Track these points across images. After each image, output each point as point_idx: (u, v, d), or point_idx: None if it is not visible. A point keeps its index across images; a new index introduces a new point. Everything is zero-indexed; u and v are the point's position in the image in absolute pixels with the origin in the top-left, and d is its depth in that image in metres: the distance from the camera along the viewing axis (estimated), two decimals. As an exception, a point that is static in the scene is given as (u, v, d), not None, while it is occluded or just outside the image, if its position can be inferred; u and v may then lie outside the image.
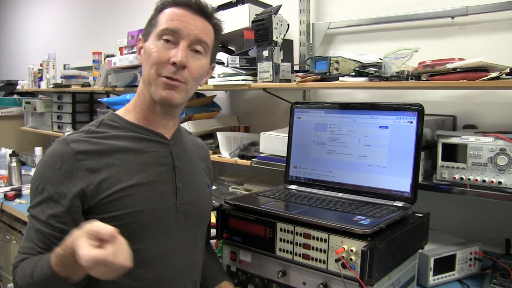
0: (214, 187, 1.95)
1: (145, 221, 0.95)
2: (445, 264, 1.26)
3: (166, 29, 0.96)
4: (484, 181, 1.22)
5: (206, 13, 1.00)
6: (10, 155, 2.76)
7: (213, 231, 1.20)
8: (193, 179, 1.08)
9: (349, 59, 1.59)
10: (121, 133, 0.99)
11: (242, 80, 1.75)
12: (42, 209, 0.90)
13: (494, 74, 1.18)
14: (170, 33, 0.96)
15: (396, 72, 1.35)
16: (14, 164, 2.69)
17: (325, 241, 0.97)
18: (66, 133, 1.00)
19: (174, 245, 1.00)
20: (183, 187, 1.03)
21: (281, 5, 1.79)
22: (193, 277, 1.07)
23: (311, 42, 2.00)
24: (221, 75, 1.80)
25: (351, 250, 0.92)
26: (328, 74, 1.52)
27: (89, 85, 2.91)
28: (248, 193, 1.78)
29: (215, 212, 1.18)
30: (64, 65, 3.53)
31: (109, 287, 0.92)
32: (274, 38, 1.63)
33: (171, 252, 0.99)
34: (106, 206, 0.91)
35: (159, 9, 1.00)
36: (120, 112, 1.05)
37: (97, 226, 0.74)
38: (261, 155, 1.73)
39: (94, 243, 0.73)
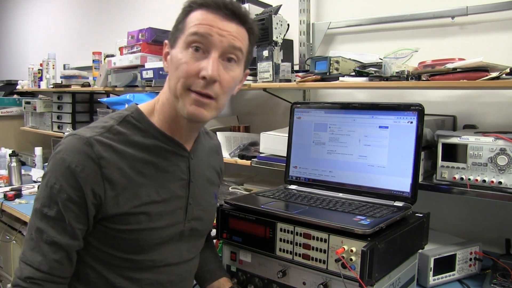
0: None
1: (154, 237, 0.93)
2: (445, 264, 1.26)
3: (196, 34, 0.86)
4: (484, 181, 1.22)
5: (239, 17, 0.89)
6: (10, 155, 2.76)
7: (213, 231, 1.20)
8: (204, 194, 1.06)
9: (349, 59, 1.59)
10: (145, 140, 0.93)
11: (242, 80, 1.75)
12: (63, 210, 0.85)
13: (494, 74, 1.18)
14: (200, 39, 0.86)
15: (396, 72, 1.35)
16: (14, 164, 2.69)
17: (325, 241, 0.96)
18: (85, 129, 0.91)
19: (176, 256, 1.00)
20: (193, 203, 1.01)
21: (281, 5, 1.79)
22: (190, 284, 1.08)
23: (311, 42, 2.00)
24: (221, 75, 1.80)
25: (351, 250, 0.92)
26: (328, 74, 1.52)
27: (89, 85, 2.91)
28: (248, 193, 1.78)
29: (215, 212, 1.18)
30: (64, 65, 3.53)
31: None
32: (274, 38, 1.63)
33: (172, 262, 0.99)
34: (119, 219, 0.89)
35: (186, 12, 0.90)
36: (145, 110, 0.96)
37: None
38: (261, 155, 1.72)
39: None
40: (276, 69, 1.64)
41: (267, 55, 1.64)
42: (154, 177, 0.93)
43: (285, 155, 1.37)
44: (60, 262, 0.86)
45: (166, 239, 0.96)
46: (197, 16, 0.87)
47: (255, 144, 1.90)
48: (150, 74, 2.16)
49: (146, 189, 0.91)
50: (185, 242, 1.01)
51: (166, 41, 0.95)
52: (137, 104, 0.98)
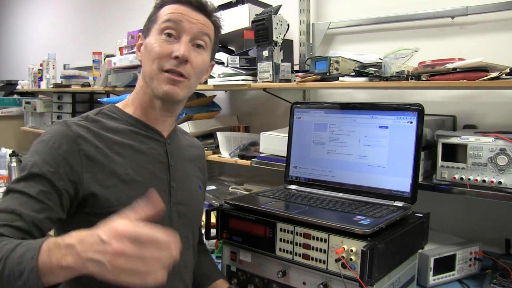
0: (214, 187, 1.95)
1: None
2: (445, 264, 1.26)
3: (168, 20, 0.96)
4: (484, 181, 1.22)
5: (206, 10, 1.01)
6: (10, 155, 2.76)
7: (213, 231, 1.20)
8: (186, 180, 1.08)
9: (349, 59, 1.59)
10: (120, 126, 0.99)
11: (242, 80, 1.75)
12: (30, 184, 0.83)
13: (494, 74, 1.18)
14: (172, 25, 0.96)
15: (396, 72, 1.35)
16: (14, 164, 2.69)
17: (325, 241, 0.97)
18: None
19: None
20: (176, 187, 1.03)
21: (281, 5, 1.79)
22: (184, 278, 1.06)
23: (311, 42, 2.00)
24: (221, 75, 1.80)
25: (351, 250, 0.92)
26: (328, 74, 1.52)
27: (89, 85, 2.91)
28: (248, 193, 1.78)
29: (215, 212, 1.18)
30: (64, 65, 3.53)
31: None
32: (274, 38, 1.63)
33: None
34: (100, 201, 0.89)
35: (159, 6, 1.00)
36: (120, 105, 1.05)
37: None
38: (261, 155, 1.72)
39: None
40: (276, 69, 1.64)
41: (267, 55, 1.64)
42: (132, 157, 0.96)
43: (285, 155, 1.37)
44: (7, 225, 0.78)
45: (152, 222, 0.95)
46: (169, 8, 0.98)
47: (255, 144, 1.90)
48: (150, 74, 2.16)
49: (123, 167, 0.94)
50: (175, 231, 1.01)
51: (139, 33, 1.05)
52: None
